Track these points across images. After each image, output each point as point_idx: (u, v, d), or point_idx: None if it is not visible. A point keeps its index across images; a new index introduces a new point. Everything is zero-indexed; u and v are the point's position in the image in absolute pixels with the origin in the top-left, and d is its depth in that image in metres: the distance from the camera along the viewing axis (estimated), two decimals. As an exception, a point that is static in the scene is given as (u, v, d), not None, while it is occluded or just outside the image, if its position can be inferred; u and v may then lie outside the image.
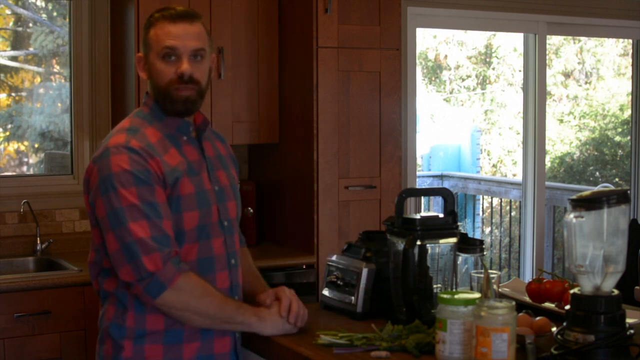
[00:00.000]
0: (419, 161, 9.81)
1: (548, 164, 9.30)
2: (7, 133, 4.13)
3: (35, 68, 4.22)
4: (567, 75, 10.22)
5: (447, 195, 2.29)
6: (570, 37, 9.41)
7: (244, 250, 2.36)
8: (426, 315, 2.15)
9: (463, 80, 10.75)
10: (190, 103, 2.10)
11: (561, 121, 10.16)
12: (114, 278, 2.04)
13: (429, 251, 2.21)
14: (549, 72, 8.60)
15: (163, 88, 2.08)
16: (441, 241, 2.24)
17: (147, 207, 1.95)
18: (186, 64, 2.06)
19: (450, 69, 10.69)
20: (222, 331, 2.11)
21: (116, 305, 2.06)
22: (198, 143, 2.16)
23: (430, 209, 8.20)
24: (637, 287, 3.44)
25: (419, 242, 2.18)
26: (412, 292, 2.18)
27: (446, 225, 2.23)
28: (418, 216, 2.23)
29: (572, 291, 1.96)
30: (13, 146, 4.18)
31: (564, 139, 10.07)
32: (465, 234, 2.31)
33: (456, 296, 1.90)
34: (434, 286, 2.24)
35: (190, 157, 2.11)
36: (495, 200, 7.95)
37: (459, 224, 2.28)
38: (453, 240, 2.24)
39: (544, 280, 2.43)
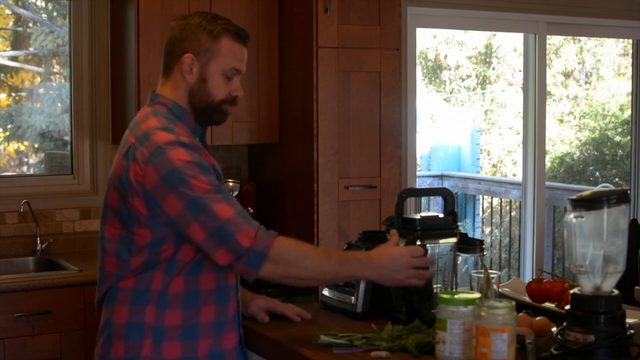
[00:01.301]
0: (419, 161, 9.81)
1: (548, 164, 9.30)
2: (7, 133, 4.13)
3: (35, 68, 4.22)
4: (567, 75, 10.22)
5: (447, 195, 2.29)
6: (570, 37, 9.41)
7: None
8: (426, 315, 2.15)
9: (463, 80, 10.74)
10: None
11: (561, 121, 10.16)
12: (131, 275, 2.04)
13: (429, 251, 2.21)
14: (549, 72, 8.60)
15: (215, 102, 2.15)
16: (441, 241, 2.24)
17: (220, 190, 1.98)
18: (241, 89, 2.19)
19: (450, 69, 10.69)
20: (229, 327, 2.12)
21: (131, 303, 2.05)
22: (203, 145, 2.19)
23: (431, 208, 8.20)
24: (637, 287, 3.44)
25: (418, 242, 2.18)
26: (412, 292, 2.18)
27: (446, 225, 2.23)
28: (418, 216, 2.23)
29: (572, 291, 1.96)
30: (13, 146, 4.18)
31: (564, 139, 10.07)
32: (465, 234, 2.31)
33: (456, 296, 1.90)
34: (434, 286, 2.24)
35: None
36: (495, 200, 7.95)
37: (459, 224, 2.28)
38: (453, 240, 2.25)
39: (544, 280, 2.44)
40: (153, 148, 1.99)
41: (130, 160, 2.02)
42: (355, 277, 2.10)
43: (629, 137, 6.16)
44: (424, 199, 7.30)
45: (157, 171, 1.97)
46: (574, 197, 1.93)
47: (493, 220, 8.45)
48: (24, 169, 4.23)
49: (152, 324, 2.03)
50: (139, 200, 2.01)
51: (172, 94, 2.14)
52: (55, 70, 4.23)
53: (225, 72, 2.13)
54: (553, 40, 9.45)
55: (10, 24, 4.18)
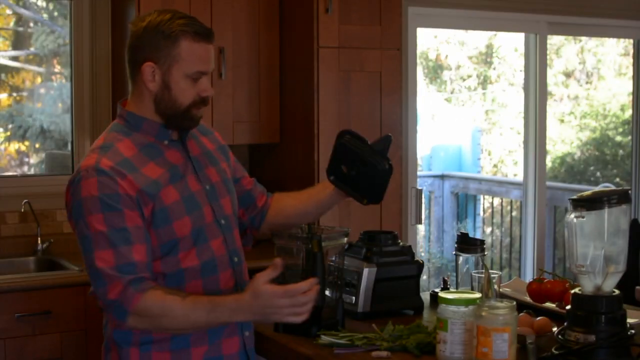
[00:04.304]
0: (419, 161, 9.80)
1: (549, 164, 9.29)
2: (8, 133, 4.13)
3: (36, 68, 4.23)
4: (567, 75, 10.22)
5: None
6: (571, 37, 9.41)
7: (275, 196, 2.38)
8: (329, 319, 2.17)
9: (464, 80, 10.74)
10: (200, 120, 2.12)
11: (562, 121, 10.16)
12: None
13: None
14: (549, 72, 8.59)
15: (183, 108, 2.03)
16: (336, 242, 2.23)
17: (114, 234, 1.92)
18: (210, 88, 2.06)
19: (451, 69, 10.68)
20: (229, 331, 2.06)
21: None
22: (182, 144, 2.11)
23: (432, 208, 8.20)
24: (638, 287, 3.44)
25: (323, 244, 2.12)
26: (322, 297, 2.15)
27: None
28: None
29: (573, 291, 1.96)
30: (14, 146, 4.18)
31: (564, 139, 10.07)
32: (466, 234, 2.31)
33: (457, 296, 1.90)
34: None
35: (174, 162, 2.06)
36: (496, 200, 7.95)
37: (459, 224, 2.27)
38: (344, 240, 2.26)
39: (545, 280, 2.44)
40: (76, 173, 1.99)
41: None
42: (228, 322, 1.99)
43: (629, 137, 6.16)
44: (424, 200, 7.29)
45: (72, 197, 1.98)
46: (575, 197, 1.93)
47: (494, 220, 8.45)
48: (25, 169, 4.23)
49: (139, 333, 2.00)
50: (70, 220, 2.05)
51: (136, 103, 2.07)
52: (56, 70, 4.23)
53: (190, 75, 2.01)
54: (554, 40, 9.44)
55: (11, 24, 4.18)
